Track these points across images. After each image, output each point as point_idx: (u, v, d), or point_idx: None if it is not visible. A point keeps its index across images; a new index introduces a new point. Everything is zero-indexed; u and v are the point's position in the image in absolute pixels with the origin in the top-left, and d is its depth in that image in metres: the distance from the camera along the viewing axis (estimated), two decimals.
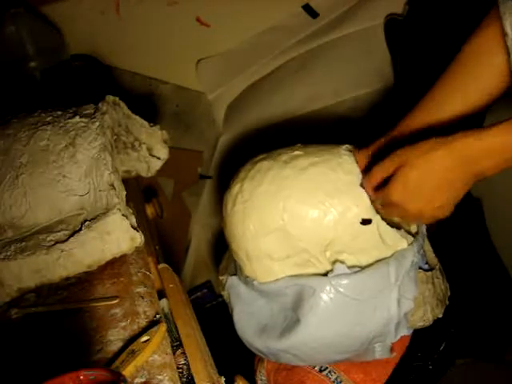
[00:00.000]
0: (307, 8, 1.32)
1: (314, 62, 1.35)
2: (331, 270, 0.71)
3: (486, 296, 1.10)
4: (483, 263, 1.16)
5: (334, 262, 0.72)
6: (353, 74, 1.31)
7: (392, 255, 0.73)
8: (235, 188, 0.77)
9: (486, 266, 1.16)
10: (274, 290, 0.75)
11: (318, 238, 0.72)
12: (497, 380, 1.13)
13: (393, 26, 1.26)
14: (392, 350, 0.77)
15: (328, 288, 0.70)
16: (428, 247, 0.85)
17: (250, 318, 0.80)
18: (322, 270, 0.73)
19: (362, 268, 0.72)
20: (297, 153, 0.76)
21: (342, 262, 0.72)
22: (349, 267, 0.71)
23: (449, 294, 0.84)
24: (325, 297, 0.70)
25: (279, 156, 0.76)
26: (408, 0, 1.24)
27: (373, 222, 0.72)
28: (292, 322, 0.74)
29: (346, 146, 0.77)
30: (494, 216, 1.20)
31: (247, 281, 0.78)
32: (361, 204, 0.72)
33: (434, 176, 0.63)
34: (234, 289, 0.82)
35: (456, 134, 0.61)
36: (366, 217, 0.72)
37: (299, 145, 0.80)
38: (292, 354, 0.76)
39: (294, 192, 0.72)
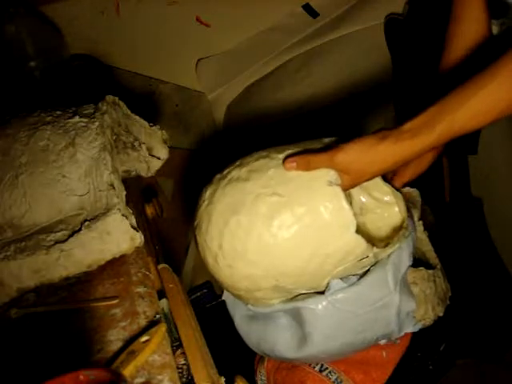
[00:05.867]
0: (307, 8, 1.32)
1: (314, 61, 1.35)
2: (327, 287, 0.70)
3: (486, 296, 1.10)
4: (483, 263, 1.16)
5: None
6: (352, 74, 1.31)
7: (388, 259, 0.71)
8: (213, 244, 0.68)
9: (486, 265, 1.16)
10: (269, 313, 0.74)
11: (315, 285, 0.70)
12: (497, 380, 1.13)
13: (393, 26, 1.26)
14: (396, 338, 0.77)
15: (327, 306, 0.69)
16: (429, 247, 0.85)
17: (251, 323, 0.79)
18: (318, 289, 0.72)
19: (359, 277, 0.70)
20: (275, 198, 0.65)
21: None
22: (343, 278, 0.70)
23: (450, 294, 0.84)
24: (325, 315, 0.69)
25: (256, 207, 0.66)
26: (408, 0, 1.24)
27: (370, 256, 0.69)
28: (297, 337, 0.73)
29: (332, 174, 0.66)
30: (494, 216, 1.20)
31: None
32: (358, 249, 0.67)
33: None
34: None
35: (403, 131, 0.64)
36: (364, 256, 0.68)
37: (272, 190, 0.66)
38: (300, 361, 0.76)
39: (285, 260, 0.66)
